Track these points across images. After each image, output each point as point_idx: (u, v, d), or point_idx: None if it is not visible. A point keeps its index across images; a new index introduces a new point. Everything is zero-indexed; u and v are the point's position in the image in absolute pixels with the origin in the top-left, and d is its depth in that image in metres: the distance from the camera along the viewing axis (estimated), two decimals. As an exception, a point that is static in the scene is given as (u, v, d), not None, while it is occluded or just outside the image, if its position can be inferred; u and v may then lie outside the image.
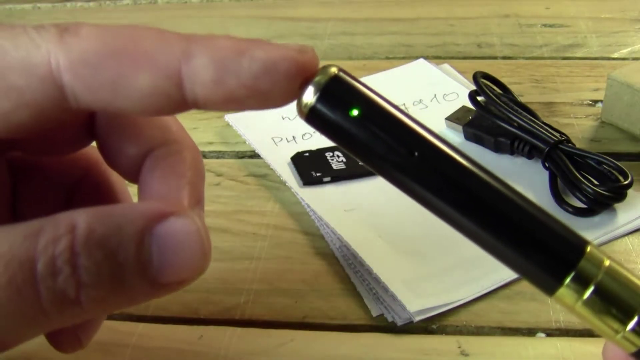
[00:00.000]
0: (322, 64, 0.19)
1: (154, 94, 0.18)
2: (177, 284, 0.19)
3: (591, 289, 0.18)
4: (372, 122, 0.18)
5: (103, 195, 0.25)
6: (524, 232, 0.18)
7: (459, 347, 0.29)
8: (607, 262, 0.18)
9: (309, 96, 0.18)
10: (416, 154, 0.18)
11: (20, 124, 0.18)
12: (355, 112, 0.18)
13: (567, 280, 0.18)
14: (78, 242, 0.17)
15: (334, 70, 0.18)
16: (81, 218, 0.17)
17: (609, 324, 0.19)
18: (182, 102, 0.18)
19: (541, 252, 0.18)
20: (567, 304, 0.19)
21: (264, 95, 0.18)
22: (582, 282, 0.18)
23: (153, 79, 0.17)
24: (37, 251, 0.17)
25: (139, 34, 0.18)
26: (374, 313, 0.30)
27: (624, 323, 0.18)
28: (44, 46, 0.18)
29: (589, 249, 0.18)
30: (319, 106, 0.18)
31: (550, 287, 0.18)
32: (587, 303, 0.18)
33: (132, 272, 0.18)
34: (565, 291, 0.18)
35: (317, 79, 0.18)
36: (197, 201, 0.21)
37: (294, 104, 0.18)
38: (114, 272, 0.17)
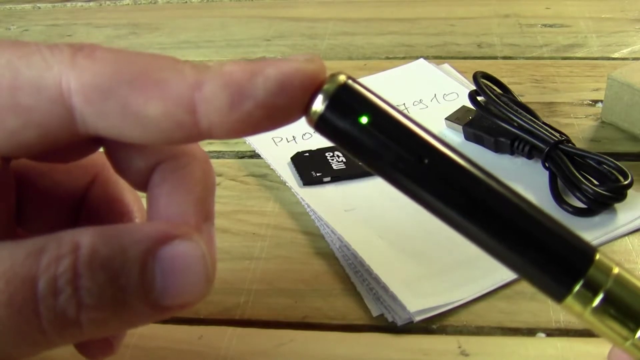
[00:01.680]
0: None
1: (165, 123, 0.17)
2: (179, 307, 0.18)
3: (600, 297, 0.18)
4: (381, 130, 0.18)
5: (112, 201, 0.24)
6: (533, 240, 0.18)
7: (459, 347, 0.29)
8: (616, 270, 0.18)
9: (318, 104, 0.18)
10: (426, 161, 0.18)
11: (27, 143, 0.18)
12: (364, 120, 0.18)
13: (576, 288, 0.18)
14: (81, 262, 0.17)
15: (342, 78, 0.18)
16: (85, 238, 0.17)
17: (618, 332, 0.19)
18: (195, 131, 0.18)
19: (550, 260, 0.18)
20: (575, 311, 0.19)
21: (280, 112, 0.18)
22: (591, 290, 0.18)
23: (164, 107, 0.17)
24: (39, 270, 0.17)
25: (153, 62, 0.18)
26: (374, 313, 0.30)
27: (634, 331, 0.18)
28: (56, 67, 0.17)
29: (597, 256, 0.18)
30: (328, 114, 0.18)
31: (559, 295, 0.18)
32: (596, 311, 0.18)
33: (134, 295, 0.18)
34: (574, 299, 0.18)
35: (325, 87, 0.18)
36: (206, 217, 0.21)
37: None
38: (115, 295, 0.17)
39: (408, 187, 0.18)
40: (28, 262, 0.17)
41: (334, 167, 0.39)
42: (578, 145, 0.38)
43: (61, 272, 0.17)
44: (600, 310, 0.18)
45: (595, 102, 0.45)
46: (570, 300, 0.18)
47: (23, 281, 0.17)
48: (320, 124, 0.18)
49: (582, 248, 0.18)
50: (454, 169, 0.18)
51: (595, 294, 0.18)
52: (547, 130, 0.37)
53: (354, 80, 0.18)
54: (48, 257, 0.17)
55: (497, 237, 0.18)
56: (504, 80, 0.43)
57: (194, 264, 0.18)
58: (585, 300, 0.18)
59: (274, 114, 0.18)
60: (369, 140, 0.18)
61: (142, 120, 0.17)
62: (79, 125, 0.18)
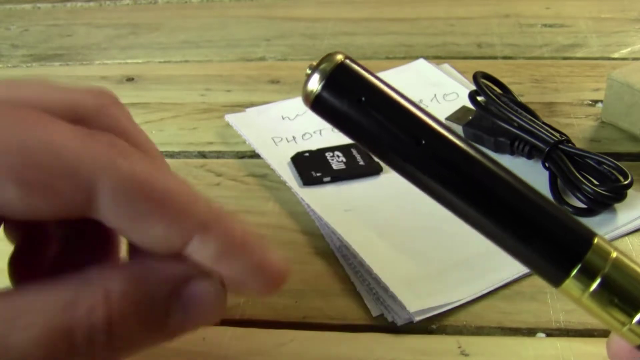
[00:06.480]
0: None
1: (160, 242, 0.19)
2: (192, 330, 0.21)
3: (598, 281, 0.18)
4: (378, 111, 0.17)
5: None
6: (531, 223, 0.18)
7: (459, 347, 0.29)
8: (614, 255, 0.18)
9: (314, 84, 0.18)
10: (423, 142, 0.17)
11: (38, 216, 0.19)
12: (361, 100, 0.17)
13: (574, 272, 0.18)
14: (114, 311, 0.18)
15: (340, 57, 0.18)
16: (115, 285, 0.19)
17: (615, 316, 0.19)
18: (175, 252, 0.20)
19: (548, 243, 0.18)
20: (573, 296, 0.18)
21: (238, 288, 0.21)
22: (588, 274, 0.18)
23: (167, 235, 0.19)
24: (76, 321, 0.18)
25: (179, 189, 0.20)
26: (374, 313, 0.30)
27: (631, 315, 0.18)
28: (91, 161, 0.19)
29: (596, 240, 0.18)
30: (325, 94, 0.17)
31: (556, 279, 0.18)
32: (594, 295, 0.18)
33: (158, 330, 0.20)
34: (571, 283, 0.18)
35: (322, 66, 0.18)
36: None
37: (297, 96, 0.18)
38: (142, 333, 0.19)
39: (405, 169, 0.18)
40: (65, 315, 0.18)
41: (334, 167, 0.39)
42: (578, 145, 0.38)
43: (96, 322, 0.18)
44: (598, 294, 0.18)
45: (595, 102, 0.45)
46: (567, 284, 0.18)
47: (61, 334, 0.18)
48: (317, 104, 0.18)
49: (581, 232, 0.18)
50: (451, 151, 0.18)
51: (593, 278, 0.18)
52: (547, 130, 0.37)
53: (352, 60, 0.18)
54: (83, 308, 0.18)
55: (495, 219, 0.18)
56: (504, 80, 0.43)
57: (211, 299, 0.20)
58: (583, 285, 0.18)
59: (234, 285, 0.20)
60: (365, 122, 0.17)
61: (142, 232, 0.19)
62: (89, 212, 0.19)
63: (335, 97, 0.18)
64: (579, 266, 0.18)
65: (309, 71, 0.18)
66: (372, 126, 0.18)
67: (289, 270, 0.21)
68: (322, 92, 0.17)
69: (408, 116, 0.18)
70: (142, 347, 0.20)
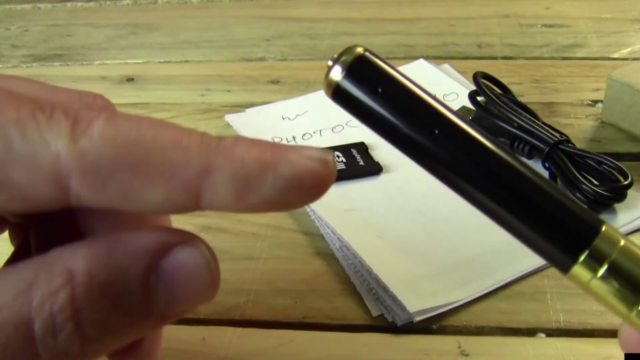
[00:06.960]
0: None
1: (167, 205, 0.17)
2: (185, 313, 0.18)
3: (605, 267, 0.18)
4: (394, 101, 0.18)
5: None
6: (540, 210, 0.18)
7: (459, 347, 0.29)
8: (622, 242, 0.19)
9: (335, 75, 0.18)
10: (436, 132, 0.18)
11: (9, 211, 0.17)
12: (379, 91, 0.18)
13: (582, 258, 0.18)
14: (79, 294, 0.16)
15: (359, 50, 0.19)
16: (79, 263, 0.16)
17: (622, 302, 0.19)
18: (195, 208, 0.17)
19: (557, 230, 0.19)
20: (581, 282, 0.19)
21: (285, 206, 0.17)
22: (596, 260, 0.18)
23: (169, 193, 0.16)
24: (32, 311, 0.15)
25: (156, 139, 0.16)
26: (374, 313, 0.30)
27: (638, 302, 0.19)
28: (53, 145, 0.16)
29: (604, 228, 0.19)
30: (344, 84, 0.18)
31: (564, 264, 0.19)
32: (601, 281, 0.19)
33: (139, 314, 0.17)
34: (579, 269, 0.19)
35: (343, 58, 0.19)
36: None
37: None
38: (119, 319, 0.17)
39: (420, 157, 0.19)
40: (18, 304, 0.15)
41: (334, 167, 0.39)
42: (578, 145, 0.38)
43: (58, 309, 0.15)
44: (605, 280, 0.19)
45: (595, 102, 0.45)
46: (575, 270, 0.19)
47: (16, 326, 0.15)
48: (337, 94, 0.19)
49: (589, 219, 0.19)
50: (464, 140, 0.18)
51: (600, 265, 0.18)
52: (547, 131, 0.37)
53: (371, 53, 0.19)
54: (40, 294, 0.15)
55: (506, 206, 0.19)
56: (504, 80, 0.43)
57: (198, 271, 0.18)
58: (591, 271, 0.19)
59: (278, 207, 0.17)
60: (382, 111, 0.18)
61: (142, 202, 0.17)
62: (72, 201, 0.16)
63: (355, 88, 0.18)
64: (586, 252, 0.18)
65: (330, 63, 0.19)
66: (388, 115, 0.18)
67: (332, 161, 0.18)
68: (342, 83, 0.18)
69: (423, 106, 0.19)
70: (123, 336, 0.17)
